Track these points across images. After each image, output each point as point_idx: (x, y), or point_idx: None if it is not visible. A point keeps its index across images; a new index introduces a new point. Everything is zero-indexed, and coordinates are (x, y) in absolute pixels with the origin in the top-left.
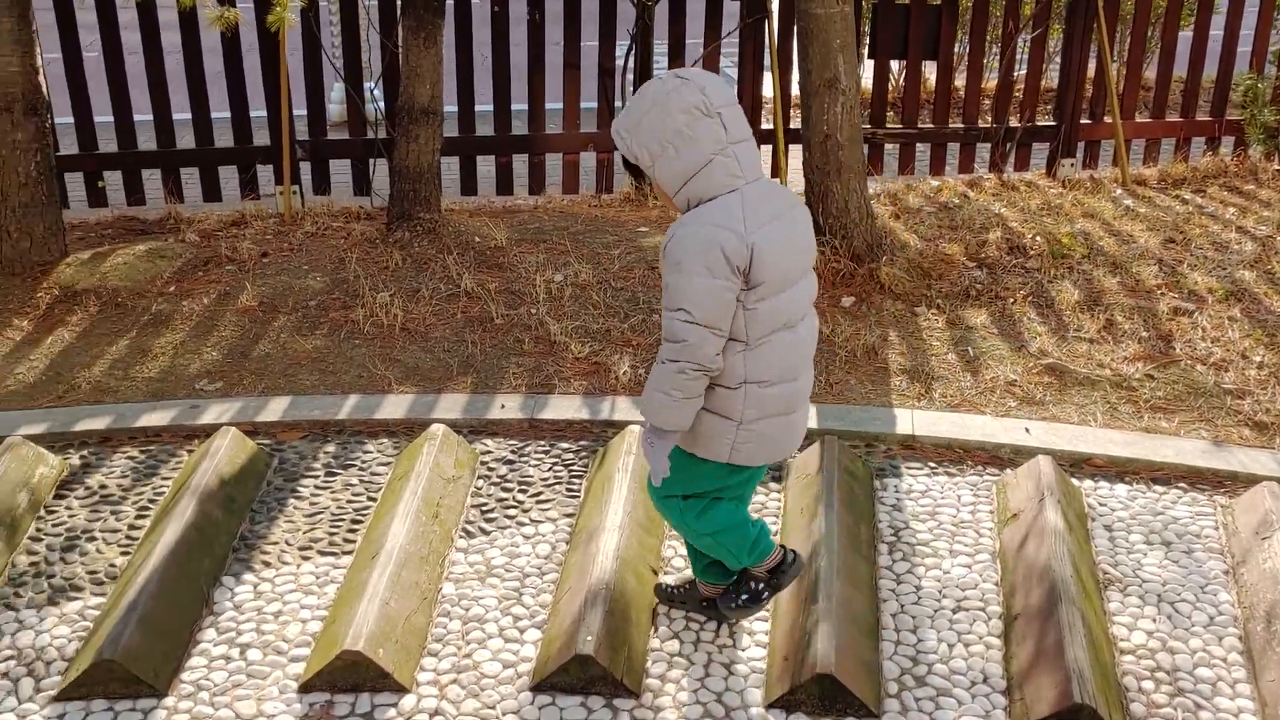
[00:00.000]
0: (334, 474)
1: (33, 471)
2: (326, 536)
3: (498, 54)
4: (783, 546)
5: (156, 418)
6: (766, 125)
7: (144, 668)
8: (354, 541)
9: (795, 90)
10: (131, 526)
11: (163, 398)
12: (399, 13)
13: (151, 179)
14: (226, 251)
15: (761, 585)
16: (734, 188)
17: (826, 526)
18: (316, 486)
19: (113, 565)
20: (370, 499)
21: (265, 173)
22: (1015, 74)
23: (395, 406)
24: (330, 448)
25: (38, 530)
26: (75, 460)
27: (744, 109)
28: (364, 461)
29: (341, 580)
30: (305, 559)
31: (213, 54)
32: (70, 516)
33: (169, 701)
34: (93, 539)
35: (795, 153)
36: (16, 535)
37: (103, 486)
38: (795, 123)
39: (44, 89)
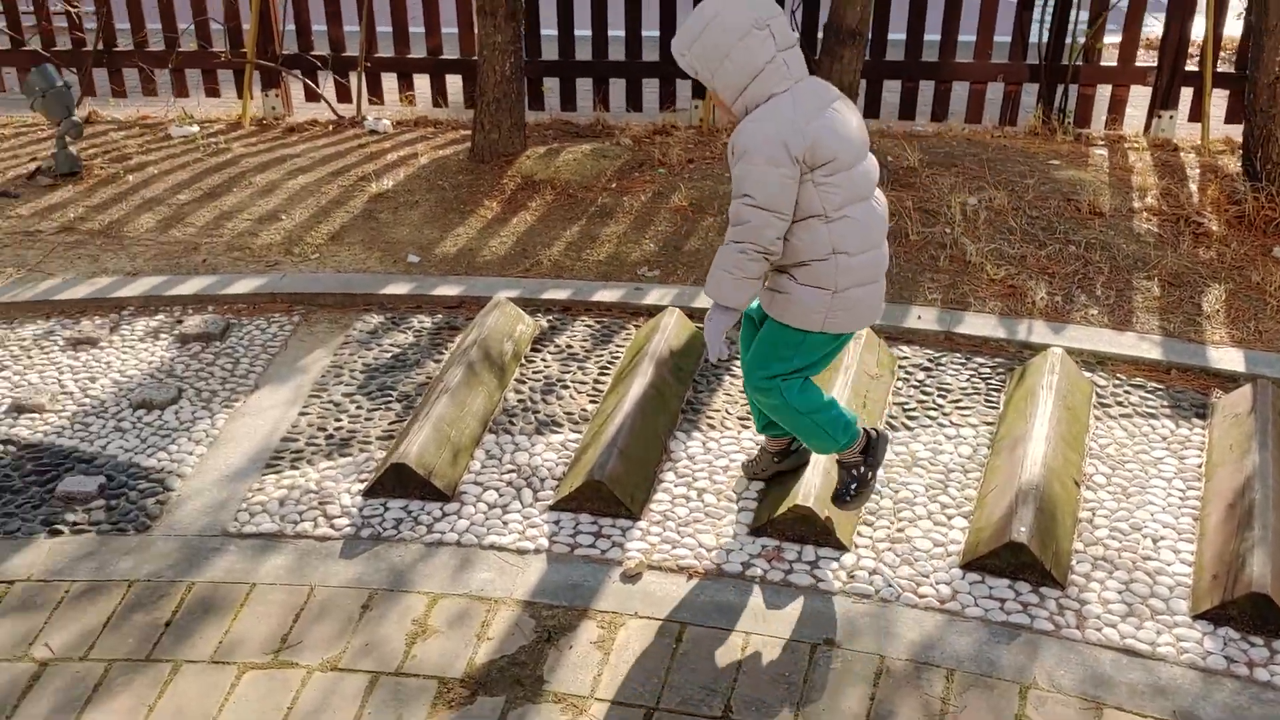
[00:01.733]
0: None
1: (514, 327)
2: None
3: None
4: (863, 427)
5: (606, 295)
6: (1190, 68)
7: (623, 492)
8: None
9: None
10: (596, 381)
11: (610, 279)
12: None
13: (583, 87)
14: (658, 155)
15: (863, 469)
16: (785, 89)
17: (1260, 461)
18: None
19: (584, 410)
20: None
21: (684, 87)
22: None
23: None
24: None
25: (521, 374)
26: (544, 323)
27: (1170, 50)
28: None
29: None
30: (744, 427)
31: None
32: (545, 367)
33: (642, 525)
34: (565, 387)
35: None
36: (505, 376)
37: (569, 345)
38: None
39: None
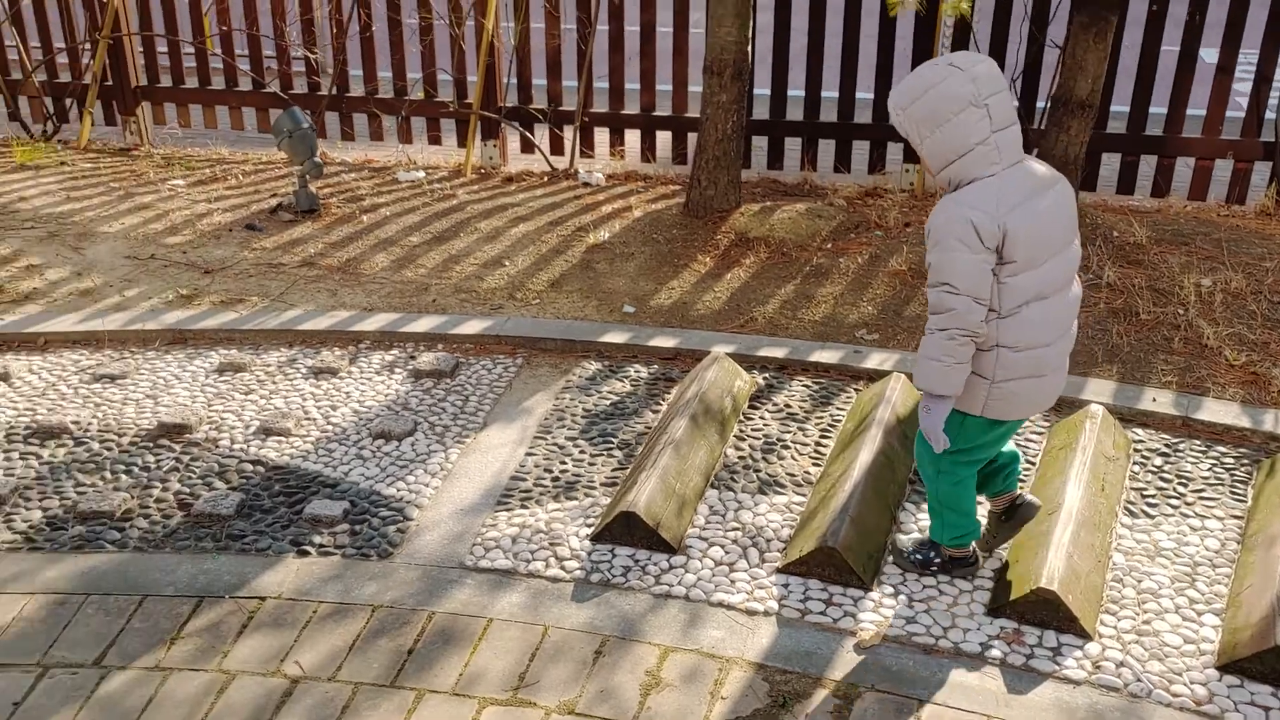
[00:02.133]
0: None
1: (732, 383)
2: None
3: (1145, 53)
4: (974, 549)
5: (824, 356)
6: None
7: (855, 561)
8: None
9: None
10: (817, 444)
11: (826, 340)
12: (1070, 7)
13: (790, 146)
14: (874, 218)
15: (938, 564)
16: (991, 174)
17: None
18: None
19: (807, 473)
20: (1028, 461)
21: (894, 150)
22: None
23: None
24: None
25: (740, 431)
26: (760, 380)
27: None
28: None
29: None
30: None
31: (866, 39)
32: (764, 425)
33: (874, 595)
34: (786, 447)
35: None
36: (726, 432)
37: (787, 405)
38: None
39: (750, 58)
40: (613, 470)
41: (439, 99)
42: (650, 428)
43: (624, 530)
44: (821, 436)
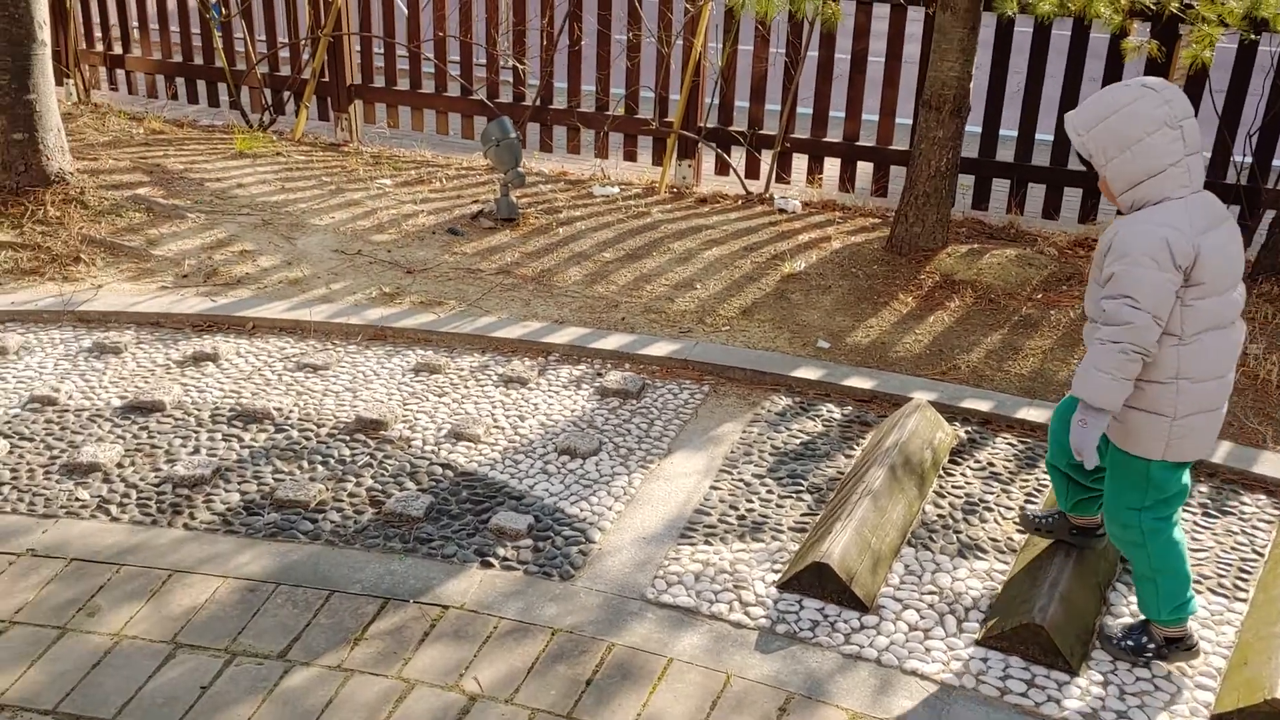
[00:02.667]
0: (1211, 516)
1: (934, 434)
2: (1215, 576)
3: None
4: (1192, 631)
5: (1032, 414)
6: None
7: (1063, 642)
8: (1244, 590)
9: None
10: (1021, 508)
11: (1034, 396)
12: None
13: (997, 187)
14: (1088, 271)
15: (1152, 649)
16: (1181, 196)
17: None
18: (1196, 523)
19: (1010, 539)
20: (1255, 552)
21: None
22: None
23: (1274, 465)
24: (1204, 488)
25: (940, 487)
26: (962, 433)
27: None
28: (1242, 513)
29: (1239, 624)
30: (1196, 591)
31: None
32: (966, 483)
33: (1080, 682)
34: (989, 509)
35: None
36: (925, 486)
37: (990, 463)
38: None
39: (969, 94)
40: (802, 514)
41: (638, 116)
42: (843, 473)
43: (814, 581)
44: (1027, 500)
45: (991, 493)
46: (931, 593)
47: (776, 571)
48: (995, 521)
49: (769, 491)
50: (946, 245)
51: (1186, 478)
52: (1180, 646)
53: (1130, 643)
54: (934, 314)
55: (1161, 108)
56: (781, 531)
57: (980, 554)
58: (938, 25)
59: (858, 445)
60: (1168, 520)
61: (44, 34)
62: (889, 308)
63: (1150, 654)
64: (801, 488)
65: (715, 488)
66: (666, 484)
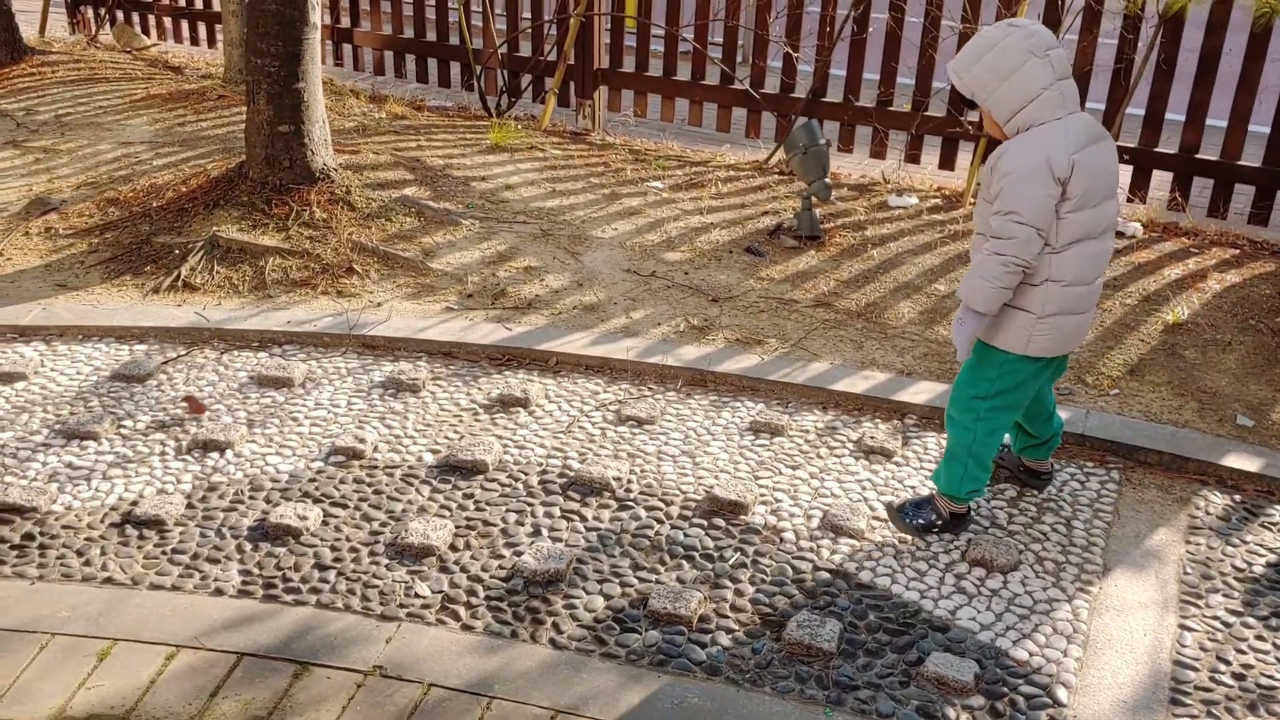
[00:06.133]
0: None
1: None
2: None
3: None
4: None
5: None
6: None
7: None
8: None
9: None
10: None
11: None
12: None
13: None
14: None
15: (940, 524)
16: (1058, 117)
17: None
18: None
19: None
20: None
21: None
22: None
23: None
24: None
25: None
26: None
27: None
28: None
29: None
30: None
31: None
32: None
33: None
34: None
35: None
36: None
37: None
38: None
39: None
40: None
41: (928, 113)
42: None
43: None
44: None
45: None
46: None
47: None
48: None
49: (1258, 638)
50: None
51: (1038, 376)
52: (964, 523)
53: (920, 521)
54: None
55: (1028, 39)
56: None
57: None
58: None
59: None
60: (1003, 411)
61: (315, 15)
62: None
63: (938, 530)
64: None
65: (1186, 627)
66: (1120, 619)
